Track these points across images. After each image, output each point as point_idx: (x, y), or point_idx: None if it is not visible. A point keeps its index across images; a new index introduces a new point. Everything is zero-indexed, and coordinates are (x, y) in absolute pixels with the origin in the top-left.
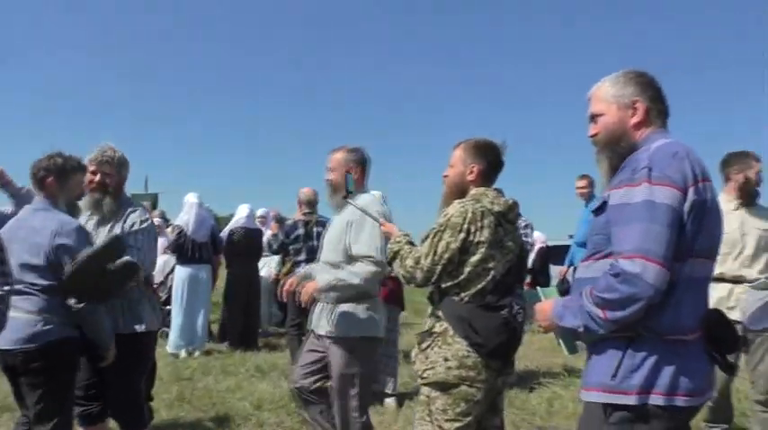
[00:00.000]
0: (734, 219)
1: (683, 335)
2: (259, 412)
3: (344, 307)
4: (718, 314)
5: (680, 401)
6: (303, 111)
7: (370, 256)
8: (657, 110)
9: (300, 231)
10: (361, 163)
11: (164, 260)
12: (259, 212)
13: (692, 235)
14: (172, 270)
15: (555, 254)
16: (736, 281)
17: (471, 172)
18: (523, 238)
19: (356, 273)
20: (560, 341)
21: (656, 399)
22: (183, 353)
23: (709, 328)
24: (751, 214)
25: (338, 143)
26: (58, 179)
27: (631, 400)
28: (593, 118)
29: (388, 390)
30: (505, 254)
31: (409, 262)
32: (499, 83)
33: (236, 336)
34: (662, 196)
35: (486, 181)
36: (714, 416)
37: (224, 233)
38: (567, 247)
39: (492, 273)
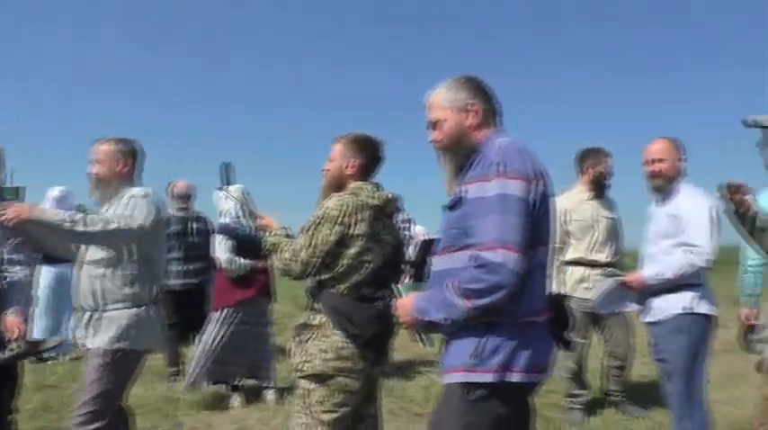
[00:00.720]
0: (587, 208)
1: (536, 316)
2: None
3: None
4: (557, 296)
5: (533, 378)
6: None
7: None
8: (491, 110)
9: (177, 227)
10: (131, 155)
11: None
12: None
13: (539, 224)
14: None
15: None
16: (592, 264)
17: (350, 166)
18: (403, 232)
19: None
20: (420, 335)
21: (512, 376)
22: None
23: (554, 311)
24: (601, 205)
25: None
26: None
27: (490, 378)
28: (434, 124)
29: (268, 385)
30: (383, 247)
31: (287, 254)
32: None
33: None
34: (514, 189)
35: (364, 175)
36: (574, 392)
37: None
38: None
39: (369, 265)
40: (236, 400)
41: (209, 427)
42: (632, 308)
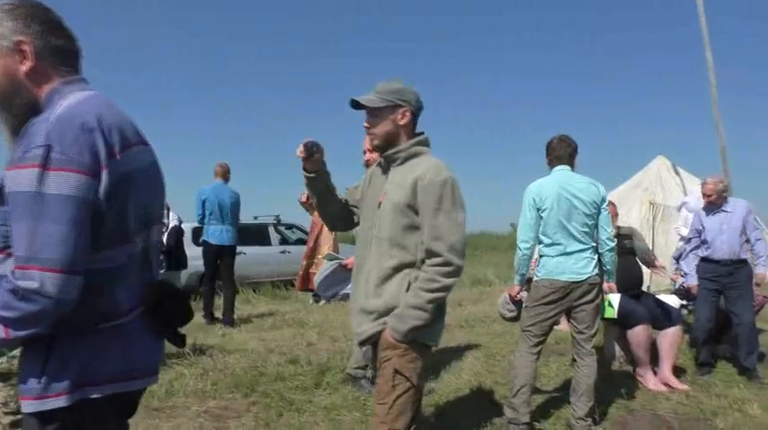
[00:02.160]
0: None
1: (120, 318)
2: None
3: None
4: (166, 287)
5: (125, 386)
6: None
7: None
8: (56, 48)
9: None
10: None
11: None
12: None
13: (118, 217)
14: None
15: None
16: None
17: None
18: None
19: None
20: None
21: (93, 391)
22: None
23: (157, 302)
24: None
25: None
26: None
27: (63, 402)
28: None
29: None
30: None
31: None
32: None
33: None
34: (58, 185)
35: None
36: None
37: None
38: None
39: None
40: None
41: None
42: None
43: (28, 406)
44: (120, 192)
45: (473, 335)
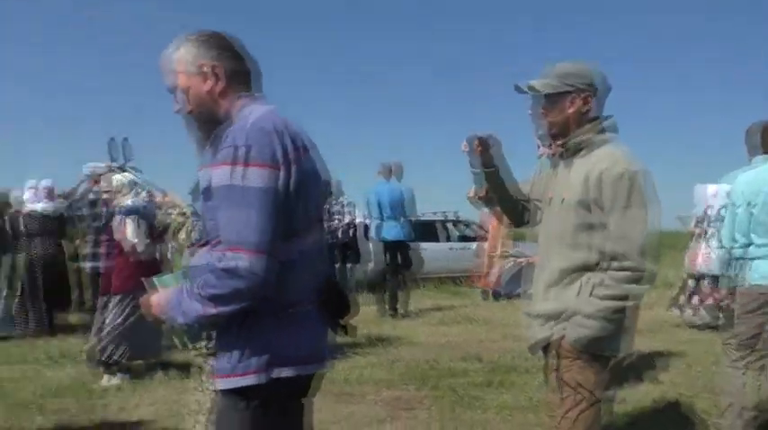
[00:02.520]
0: None
1: (301, 306)
2: (57, 399)
3: None
4: (329, 282)
5: (304, 369)
6: None
7: None
8: (238, 71)
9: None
10: None
11: None
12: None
13: (299, 210)
14: None
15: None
16: None
17: None
18: (341, 216)
19: None
20: (173, 335)
21: (280, 372)
22: None
23: (321, 295)
24: None
25: None
26: None
27: (253, 380)
28: (175, 92)
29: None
30: None
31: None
32: None
33: (31, 323)
34: (254, 179)
35: None
36: None
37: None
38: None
39: None
40: (114, 380)
41: (132, 408)
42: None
43: (220, 383)
44: (297, 189)
45: (664, 342)
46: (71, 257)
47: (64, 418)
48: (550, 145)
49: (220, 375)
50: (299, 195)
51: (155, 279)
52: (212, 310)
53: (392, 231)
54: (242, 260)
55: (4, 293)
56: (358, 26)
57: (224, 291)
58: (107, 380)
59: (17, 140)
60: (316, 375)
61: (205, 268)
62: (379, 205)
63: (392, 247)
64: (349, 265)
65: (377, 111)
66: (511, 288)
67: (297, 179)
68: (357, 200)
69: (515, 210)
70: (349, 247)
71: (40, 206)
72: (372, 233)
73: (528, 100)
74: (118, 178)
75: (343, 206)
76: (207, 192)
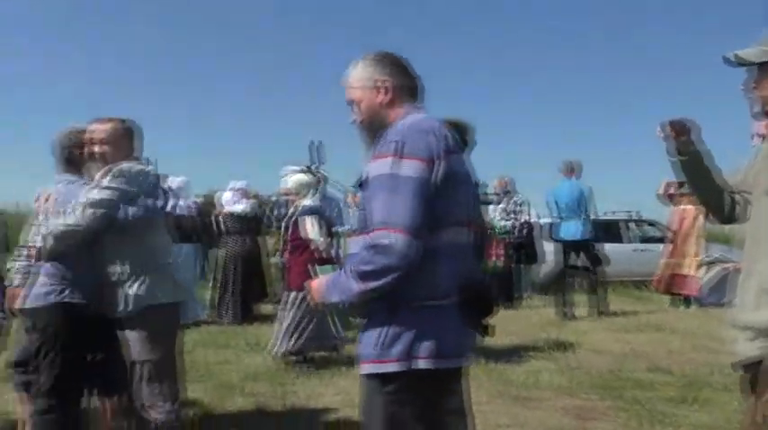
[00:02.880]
0: None
1: (441, 300)
2: (252, 383)
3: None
4: (471, 279)
5: (442, 363)
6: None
7: None
8: (406, 86)
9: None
10: (131, 135)
11: None
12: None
13: (444, 204)
14: None
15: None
16: None
17: None
18: (517, 215)
19: None
20: (335, 318)
21: (419, 363)
22: None
23: (462, 292)
24: None
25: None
26: None
27: (395, 367)
28: (351, 104)
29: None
30: None
31: None
32: None
33: (230, 311)
34: (407, 169)
35: None
36: None
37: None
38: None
39: None
40: (307, 369)
41: (318, 396)
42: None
43: (365, 368)
44: (447, 184)
45: None
46: (269, 253)
47: (260, 401)
48: None
49: (365, 361)
50: (444, 191)
51: (317, 267)
52: (364, 286)
53: (572, 230)
54: (391, 238)
55: (210, 284)
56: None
57: (374, 266)
58: (299, 369)
59: (226, 144)
60: (458, 371)
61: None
62: (557, 203)
63: (572, 247)
64: (522, 265)
65: (553, 107)
66: (716, 297)
67: (443, 175)
68: (530, 199)
69: (721, 204)
70: (524, 247)
71: (239, 207)
72: (551, 232)
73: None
74: (297, 179)
75: (517, 205)
76: (365, 184)
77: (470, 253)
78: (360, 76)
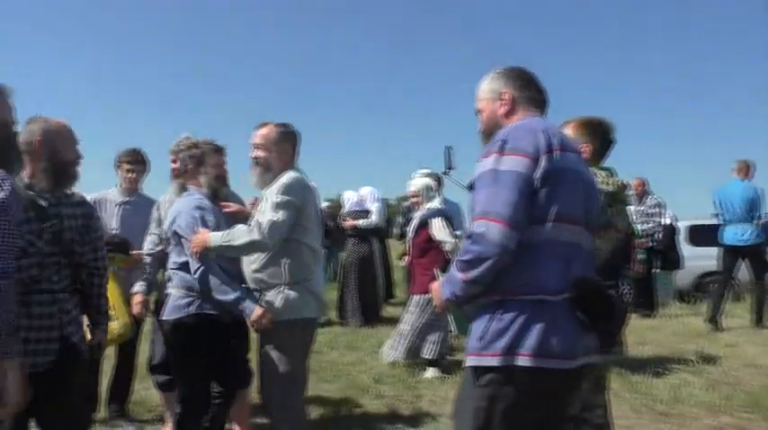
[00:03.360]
0: None
1: (545, 295)
2: (378, 385)
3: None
4: (589, 281)
5: (545, 362)
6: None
7: None
8: (527, 98)
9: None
10: (290, 140)
11: None
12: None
13: (549, 199)
14: None
15: (701, 234)
16: None
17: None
18: (654, 218)
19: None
20: (452, 319)
21: (520, 360)
22: None
23: (577, 293)
24: None
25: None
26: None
27: (495, 362)
28: (478, 114)
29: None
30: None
31: None
32: None
33: (355, 314)
34: (508, 163)
35: (597, 159)
36: None
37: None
38: (712, 227)
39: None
40: (431, 373)
41: (444, 401)
42: None
43: (468, 360)
44: (552, 180)
45: None
46: (399, 256)
47: (389, 403)
48: None
49: (468, 353)
50: (549, 187)
51: (437, 270)
52: (464, 277)
53: (741, 234)
54: (487, 227)
55: (335, 285)
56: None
57: (471, 255)
58: (430, 373)
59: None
60: (568, 373)
61: None
62: (726, 205)
63: (739, 253)
64: (657, 271)
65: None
66: None
67: (547, 171)
68: (665, 199)
69: None
70: (663, 252)
71: (364, 221)
72: (720, 236)
73: None
74: (421, 183)
75: (653, 206)
76: (472, 185)
77: (584, 253)
78: (486, 89)
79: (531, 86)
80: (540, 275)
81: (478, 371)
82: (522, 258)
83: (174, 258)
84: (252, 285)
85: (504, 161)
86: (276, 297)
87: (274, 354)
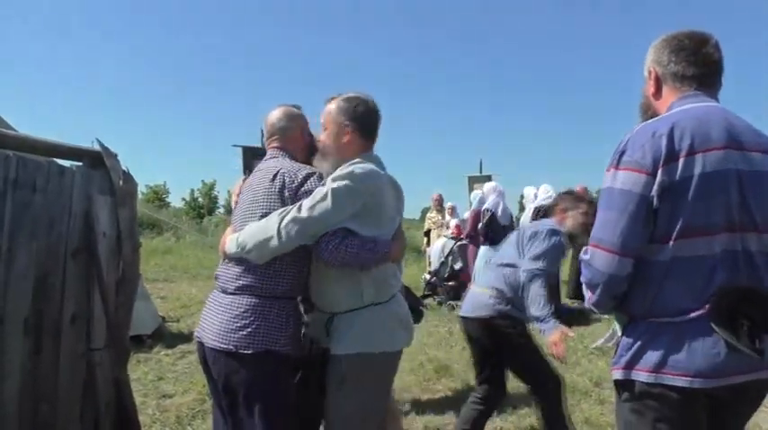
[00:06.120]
0: None
1: (671, 317)
2: (599, 389)
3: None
4: (741, 291)
5: (668, 379)
6: None
7: None
8: (673, 73)
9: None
10: (358, 119)
11: (442, 243)
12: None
13: (670, 216)
14: (450, 251)
15: None
16: None
17: None
18: None
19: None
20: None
21: (638, 375)
22: None
23: (724, 306)
24: None
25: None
26: None
27: (618, 375)
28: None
29: None
30: None
31: None
32: None
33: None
34: (622, 181)
35: None
36: None
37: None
38: None
39: None
40: None
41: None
42: None
43: (614, 373)
44: (672, 194)
45: None
46: None
47: None
48: None
49: (614, 367)
50: (667, 201)
51: None
52: (587, 298)
53: None
54: (593, 254)
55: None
56: None
57: (585, 280)
58: None
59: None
60: (704, 393)
61: None
62: None
63: None
64: None
65: None
66: None
67: (663, 187)
68: None
69: None
70: None
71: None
72: None
73: None
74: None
75: None
76: None
77: (741, 259)
78: (646, 61)
79: (681, 59)
80: (662, 298)
81: (618, 385)
82: (644, 280)
83: None
84: (318, 305)
85: (618, 178)
86: (353, 323)
87: (350, 397)
